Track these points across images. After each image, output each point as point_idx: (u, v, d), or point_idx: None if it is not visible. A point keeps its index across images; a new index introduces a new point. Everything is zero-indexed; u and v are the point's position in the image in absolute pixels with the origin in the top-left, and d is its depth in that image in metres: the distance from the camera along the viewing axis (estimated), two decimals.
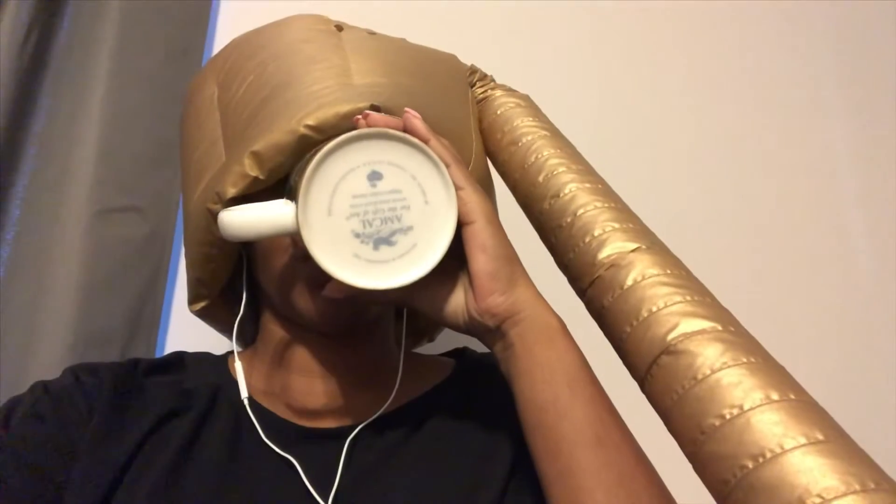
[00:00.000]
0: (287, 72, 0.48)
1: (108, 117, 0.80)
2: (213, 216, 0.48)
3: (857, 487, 0.31)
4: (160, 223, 0.81)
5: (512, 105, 0.55)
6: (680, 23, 0.92)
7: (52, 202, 0.77)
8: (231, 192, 0.47)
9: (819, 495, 0.31)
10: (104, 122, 0.79)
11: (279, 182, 0.47)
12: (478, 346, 0.61)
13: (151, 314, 0.79)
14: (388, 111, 0.46)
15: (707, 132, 0.89)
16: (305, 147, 0.45)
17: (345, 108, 0.45)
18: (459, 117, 0.54)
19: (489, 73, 0.60)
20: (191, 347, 0.58)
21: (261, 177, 0.46)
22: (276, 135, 0.45)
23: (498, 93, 0.56)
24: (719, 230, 0.84)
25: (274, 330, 0.54)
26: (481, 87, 0.57)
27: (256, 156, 0.46)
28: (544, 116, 0.55)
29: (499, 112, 0.55)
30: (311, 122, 0.45)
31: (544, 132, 0.52)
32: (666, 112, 0.89)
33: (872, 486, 0.31)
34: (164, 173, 0.83)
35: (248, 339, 0.58)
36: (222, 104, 0.52)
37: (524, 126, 0.53)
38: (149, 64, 0.84)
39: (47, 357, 0.68)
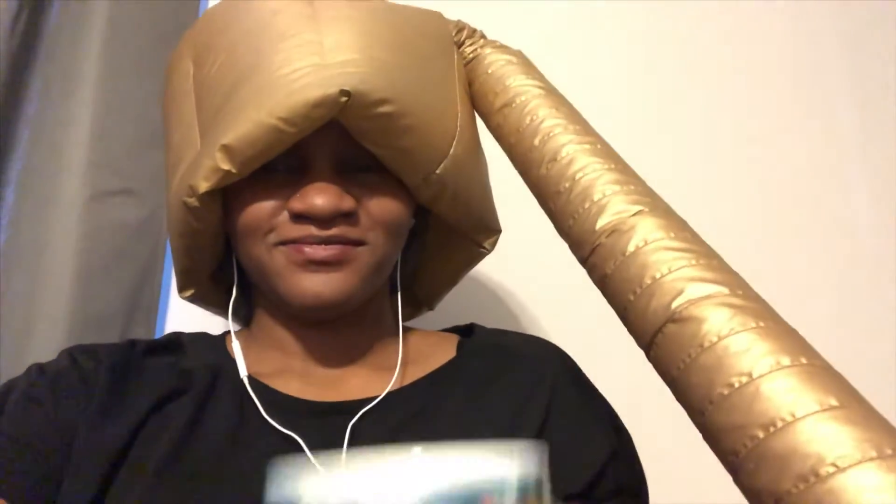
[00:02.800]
0: (256, 51, 0.46)
1: (101, 100, 0.78)
2: (188, 208, 0.47)
3: (874, 454, 0.29)
4: (156, 206, 0.80)
5: (503, 63, 0.52)
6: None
7: (46, 186, 0.76)
8: (204, 186, 0.46)
9: (833, 464, 0.29)
10: (97, 104, 0.78)
11: (254, 173, 0.46)
12: (484, 317, 0.60)
13: (150, 297, 0.78)
14: (359, 93, 0.44)
15: (712, 112, 0.86)
16: (277, 139, 0.44)
17: (314, 94, 0.43)
18: (441, 89, 0.51)
19: (479, 29, 0.57)
20: (190, 329, 0.58)
21: (233, 170, 0.45)
22: (246, 127, 0.44)
23: (488, 50, 0.54)
24: (725, 208, 0.82)
25: (266, 313, 0.53)
26: (470, 45, 0.54)
27: (227, 149, 0.44)
28: (538, 73, 0.53)
29: (489, 72, 0.52)
30: (281, 113, 0.43)
31: (539, 91, 0.50)
32: (673, 95, 0.86)
33: (889, 451, 0.30)
34: (159, 155, 0.81)
35: (244, 318, 0.58)
36: (197, 84, 0.50)
37: (517, 85, 0.50)
38: (140, 45, 0.82)
39: (45, 342, 0.68)
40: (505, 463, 0.20)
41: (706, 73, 0.87)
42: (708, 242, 0.40)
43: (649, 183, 0.44)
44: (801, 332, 0.35)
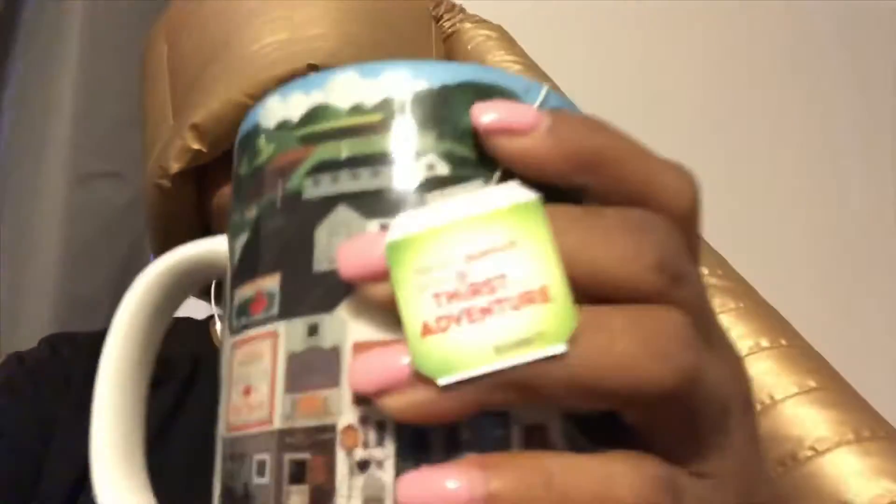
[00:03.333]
0: (227, 29, 0.45)
1: (83, 81, 0.77)
2: (161, 190, 0.46)
3: (851, 437, 0.29)
4: (141, 188, 0.79)
5: (482, 38, 0.51)
6: None
7: (29, 169, 0.76)
8: (175, 166, 0.45)
9: (811, 447, 0.29)
10: (78, 85, 0.77)
11: (225, 152, 0.45)
12: None
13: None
14: (327, 68, 0.43)
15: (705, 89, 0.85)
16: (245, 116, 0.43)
17: (282, 70, 0.42)
18: None
19: (458, 3, 0.55)
20: (179, 313, 0.57)
21: (203, 150, 0.44)
22: (215, 105, 0.43)
23: (467, 25, 0.52)
24: (722, 208, 0.81)
25: None
26: (448, 19, 0.53)
27: (197, 128, 0.43)
28: (519, 49, 0.52)
29: (469, 48, 0.51)
30: (249, 90, 0.42)
31: (519, 67, 0.49)
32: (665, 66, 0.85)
33: (867, 434, 0.29)
34: (143, 137, 0.81)
35: None
36: (171, 63, 0.49)
37: (497, 62, 0.49)
38: (121, 25, 0.80)
39: (31, 326, 0.68)
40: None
41: (705, 74, 0.86)
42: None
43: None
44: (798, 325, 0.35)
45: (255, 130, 0.17)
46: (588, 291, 0.13)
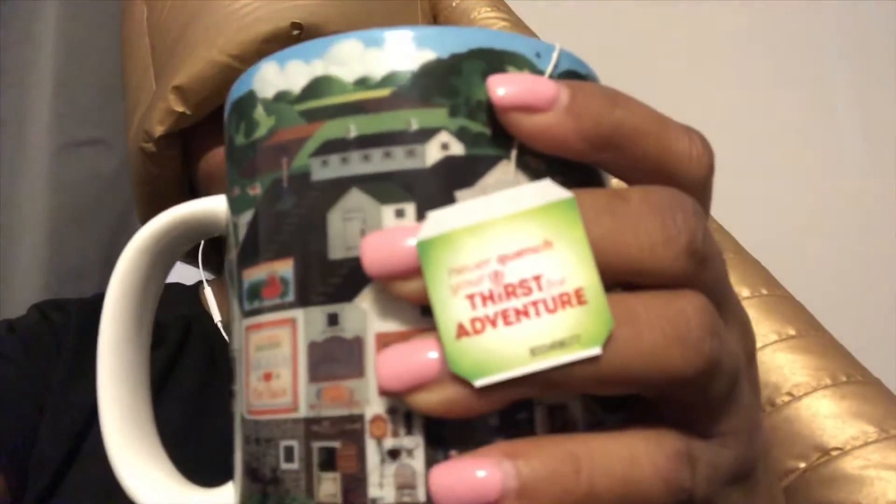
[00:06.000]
0: None
1: (63, 46, 0.75)
2: (146, 154, 0.46)
3: (828, 381, 0.30)
4: (126, 154, 0.79)
5: None
6: None
7: (13, 139, 0.75)
8: (159, 129, 0.44)
9: (789, 392, 0.30)
10: (58, 50, 0.75)
11: (211, 114, 0.44)
12: None
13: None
14: (312, 27, 0.42)
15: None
16: (229, 77, 0.42)
17: (265, 28, 0.41)
18: (402, 20, 0.49)
19: None
20: (171, 279, 0.57)
21: (188, 112, 0.43)
22: (198, 66, 0.42)
23: None
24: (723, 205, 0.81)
25: None
26: None
27: (180, 90, 0.43)
28: (505, 5, 0.51)
29: (454, 4, 0.50)
30: (232, 50, 0.42)
31: (504, 24, 0.48)
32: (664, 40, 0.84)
33: (844, 378, 0.30)
34: (125, 100, 0.80)
35: (216, 266, 0.57)
36: (150, 25, 0.48)
37: (482, 18, 0.49)
38: None
39: (21, 296, 0.68)
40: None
41: (707, 74, 0.85)
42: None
43: None
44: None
45: (251, 98, 0.17)
46: (618, 278, 0.13)
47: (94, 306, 0.50)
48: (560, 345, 0.13)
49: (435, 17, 0.52)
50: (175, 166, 0.48)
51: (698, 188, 0.15)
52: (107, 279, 0.69)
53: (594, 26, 0.85)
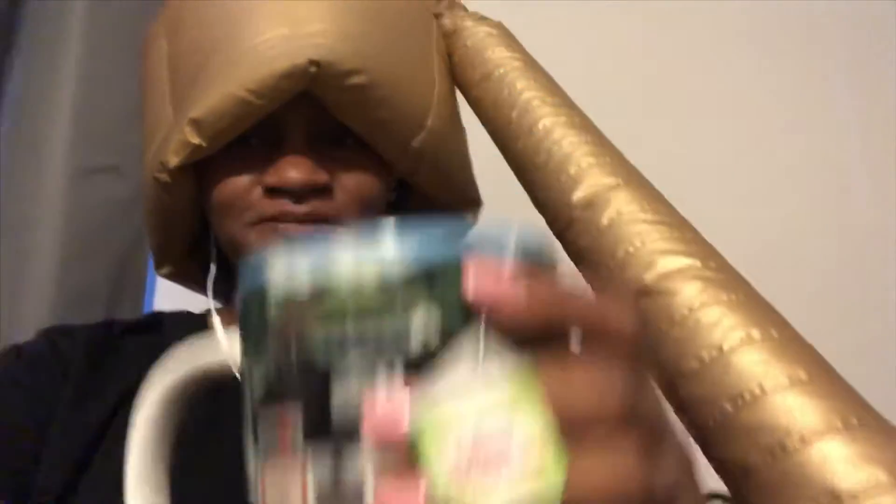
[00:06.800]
0: (226, 24, 0.45)
1: (84, 75, 0.77)
2: (160, 184, 0.46)
3: (840, 425, 0.29)
4: (141, 182, 0.80)
5: (483, 35, 0.51)
6: None
7: (29, 164, 0.76)
8: (174, 160, 0.45)
9: (800, 437, 0.29)
10: (80, 80, 0.77)
11: (226, 147, 0.45)
12: None
13: (136, 274, 0.78)
14: (328, 65, 0.43)
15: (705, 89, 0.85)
16: (246, 112, 0.43)
17: (283, 65, 0.42)
18: (418, 61, 0.50)
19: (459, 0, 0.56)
20: (179, 307, 0.57)
21: (203, 144, 0.44)
22: (214, 100, 0.43)
23: (468, 22, 0.53)
24: (725, 203, 0.81)
25: None
26: (450, 17, 0.53)
27: (196, 123, 0.44)
28: (519, 45, 0.52)
29: (468, 44, 0.51)
30: (250, 85, 0.42)
31: (518, 63, 0.49)
32: (665, 66, 0.85)
33: (855, 422, 0.30)
34: (143, 132, 0.81)
35: (225, 295, 0.57)
36: (170, 59, 0.49)
37: (496, 58, 0.49)
38: (123, 19, 0.80)
39: (30, 319, 0.68)
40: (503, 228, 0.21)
41: (708, 74, 0.86)
42: (709, 241, 0.40)
43: (646, 174, 0.43)
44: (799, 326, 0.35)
45: (263, 294, 0.20)
46: (567, 427, 0.18)
47: (101, 331, 0.50)
48: (529, 487, 0.17)
49: (450, 56, 0.53)
50: (188, 197, 0.48)
51: (632, 341, 0.20)
52: (115, 304, 0.70)
53: (593, 26, 0.87)
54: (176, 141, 0.45)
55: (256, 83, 0.42)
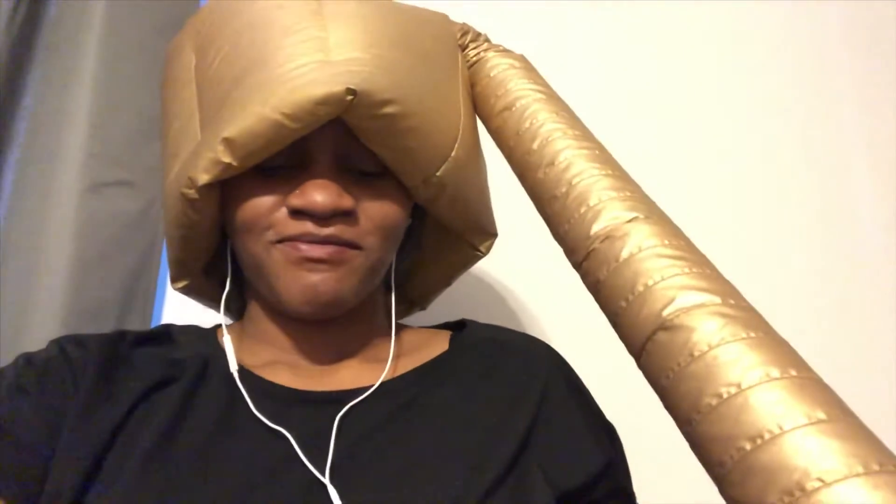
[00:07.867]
0: (261, 46, 0.46)
1: (99, 90, 0.78)
2: (187, 200, 0.47)
3: (861, 470, 0.29)
4: (153, 197, 0.80)
5: (505, 66, 0.52)
6: None
7: (43, 177, 0.76)
8: (204, 178, 0.45)
9: (819, 478, 0.29)
10: (95, 95, 0.78)
11: (255, 167, 0.46)
12: (479, 318, 0.60)
13: (146, 289, 0.78)
14: (365, 94, 0.43)
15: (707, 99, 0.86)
16: (279, 134, 0.44)
17: (319, 91, 0.43)
18: (445, 91, 0.51)
19: (483, 32, 0.57)
20: (187, 321, 0.57)
21: (234, 163, 0.45)
22: (249, 121, 0.44)
23: (491, 54, 0.54)
24: (726, 209, 0.82)
25: (258, 308, 0.53)
26: (474, 48, 0.54)
27: (229, 142, 0.44)
28: (540, 78, 0.53)
29: (492, 75, 0.52)
30: (285, 108, 0.43)
31: (539, 95, 0.50)
32: (678, 97, 0.86)
33: (876, 467, 0.29)
34: (156, 147, 0.81)
35: (236, 312, 0.57)
36: (199, 74, 0.50)
37: (518, 90, 0.50)
38: (139, 35, 0.82)
39: (41, 332, 0.68)
40: None
41: (709, 74, 0.87)
42: (709, 243, 0.40)
43: (649, 184, 0.44)
44: (799, 328, 0.35)
45: None
46: None
47: (113, 341, 0.50)
48: None
49: (473, 86, 0.54)
50: (213, 213, 0.49)
51: None
52: (125, 318, 0.70)
53: (591, 27, 0.88)
54: (206, 159, 0.45)
55: (292, 107, 0.43)
